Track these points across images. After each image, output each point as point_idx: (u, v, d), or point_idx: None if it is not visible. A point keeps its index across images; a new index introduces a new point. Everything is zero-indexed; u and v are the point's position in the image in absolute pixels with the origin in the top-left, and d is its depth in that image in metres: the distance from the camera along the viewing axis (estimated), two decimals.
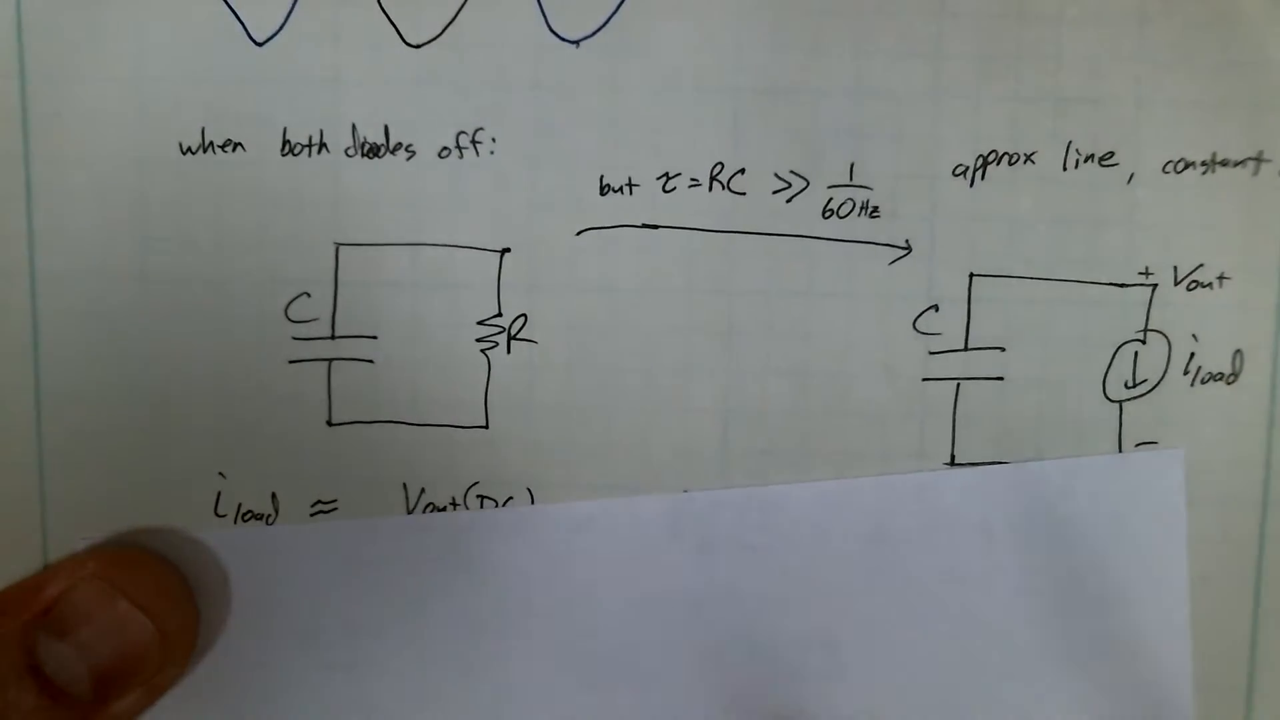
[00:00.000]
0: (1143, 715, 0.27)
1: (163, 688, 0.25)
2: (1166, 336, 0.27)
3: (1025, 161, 0.27)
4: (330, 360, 0.26)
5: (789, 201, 0.26)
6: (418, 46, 0.26)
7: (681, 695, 0.27)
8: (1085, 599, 0.27)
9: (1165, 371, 0.27)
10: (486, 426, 0.26)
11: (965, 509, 0.27)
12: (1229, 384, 0.27)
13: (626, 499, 0.26)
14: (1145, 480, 0.27)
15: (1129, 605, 0.27)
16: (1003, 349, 0.27)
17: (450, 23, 0.26)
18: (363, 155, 0.26)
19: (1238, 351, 0.27)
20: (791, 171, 0.26)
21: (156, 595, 0.25)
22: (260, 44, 0.26)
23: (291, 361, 0.26)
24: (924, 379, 0.27)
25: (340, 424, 0.26)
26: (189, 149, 0.26)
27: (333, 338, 0.26)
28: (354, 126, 0.26)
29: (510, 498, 0.26)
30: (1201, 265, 0.27)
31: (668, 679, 0.27)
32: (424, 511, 0.26)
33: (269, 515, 0.26)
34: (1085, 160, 0.27)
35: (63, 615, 0.24)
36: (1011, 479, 0.27)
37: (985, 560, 0.27)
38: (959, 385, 0.27)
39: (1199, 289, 0.27)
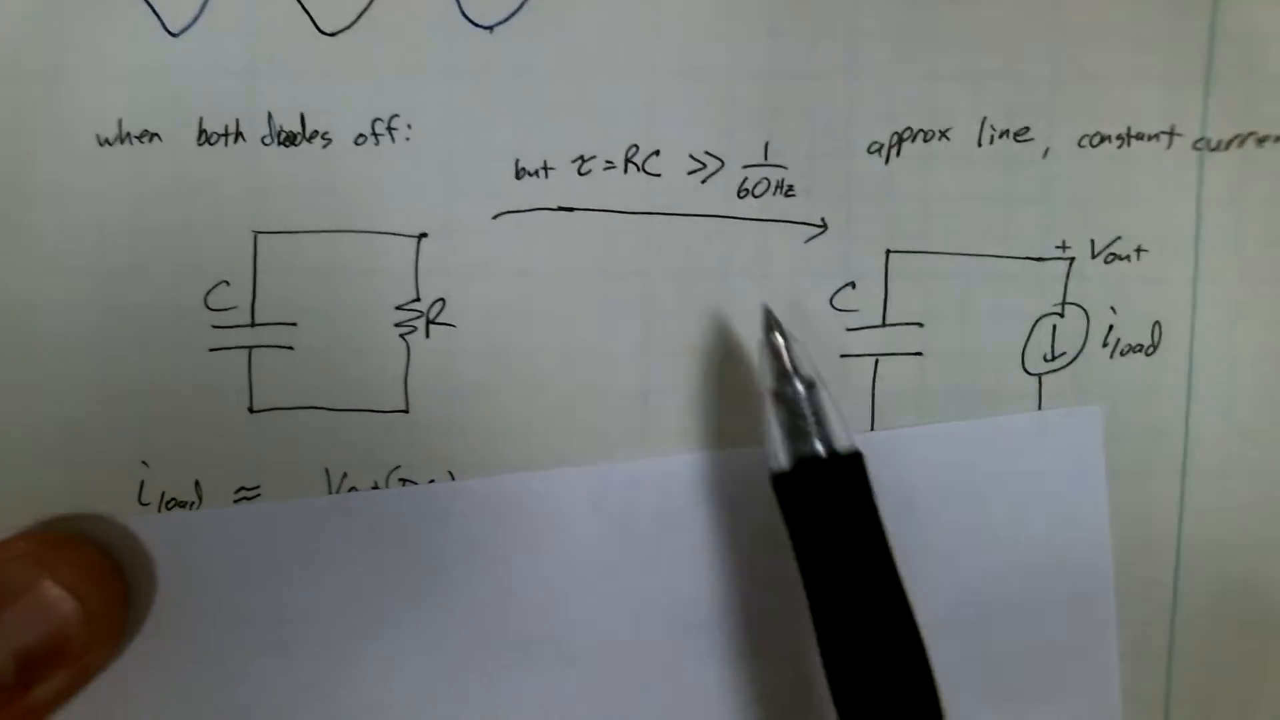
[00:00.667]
0: (1069, 674, 0.27)
1: (90, 671, 0.25)
2: (1085, 309, 0.27)
3: (940, 138, 0.27)
4: (251, 348, 0.26)
5: (704, 182, 0.27)
6: (332, 35, 0.26)
7: (605, 667, 0.27)
8: (1009, 560, 0.27)
9: (1084, 344, 0.27)
10: (407, 410, 0.27)
11: (885, 472, 0.27)
12: (1148, 355, 0.27)
13: (546, 473, 0.27)
14: (1065, 438, 0.27)
15: (1052, 565, 0.27)
16: (921, 324, 0.27)
17: (364, 10, 0.26)
18: (279, 144, 0.26)
19: (1156, 323, 0.27)
20: (706, 152, 0.27)
21: (84, 576, 0.24)
22: (175, 34, 0.26)
23: (212, 349, 0.26)
24: (842, 355, 0.27)
25: (261, 410, 0.26)
26: (105, 140, 0.26)
27: (252, 325, 0.26)
28: (270, 115, 0.26)
29: (432, 480, 0.27)
30: (1119, 238, 0.27)
31: (591, 651, 0.27)
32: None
33: (192, 503, 0.26)
34: (1000, 135, 0.27)
35: None
36: (931, 441, 0.27)
37: (907, 523, 0.27)
38: (878, 361, 0.27)
39: (1116, 261, 0.27)
